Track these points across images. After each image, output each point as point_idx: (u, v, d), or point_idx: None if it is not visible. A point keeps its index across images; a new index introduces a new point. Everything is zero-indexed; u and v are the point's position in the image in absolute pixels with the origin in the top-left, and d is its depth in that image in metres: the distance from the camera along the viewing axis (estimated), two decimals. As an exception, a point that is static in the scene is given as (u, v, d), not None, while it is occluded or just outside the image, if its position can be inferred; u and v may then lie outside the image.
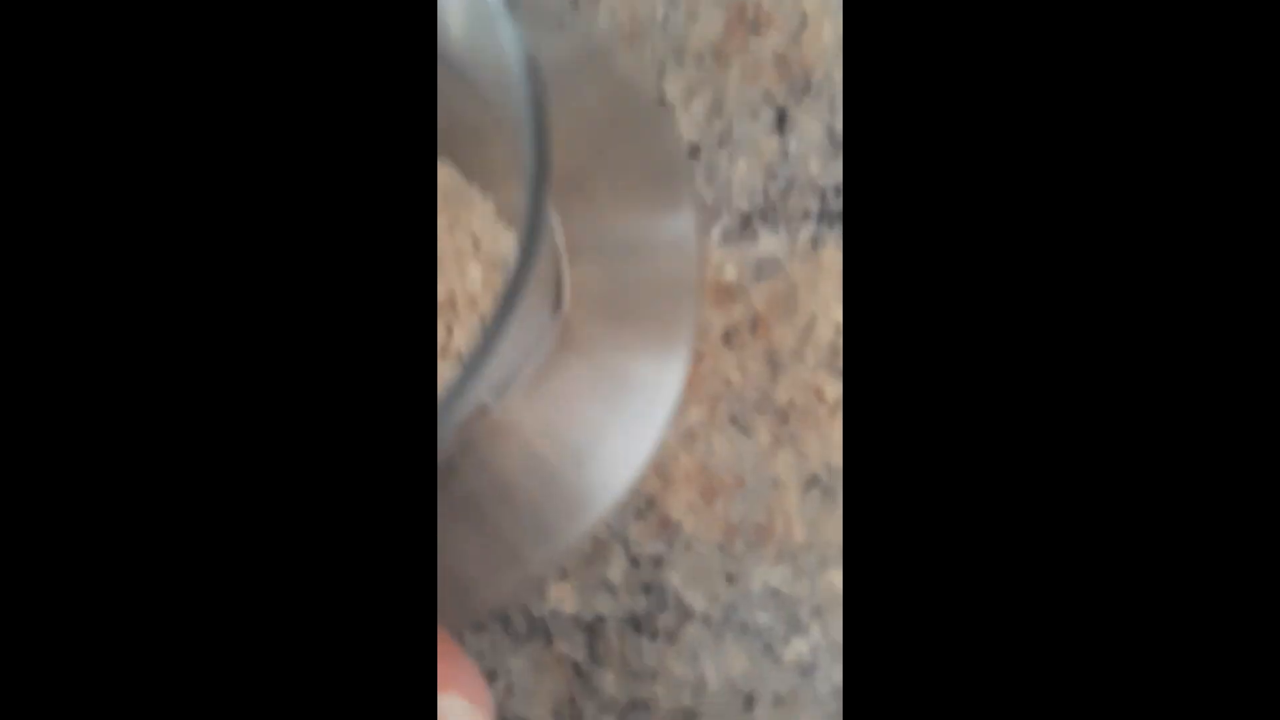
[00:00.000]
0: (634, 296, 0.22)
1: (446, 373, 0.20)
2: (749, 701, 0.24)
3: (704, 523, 0.25)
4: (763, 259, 0.27)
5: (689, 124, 0.28)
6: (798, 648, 0.24)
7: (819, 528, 0.25)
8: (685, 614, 0.25)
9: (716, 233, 0.27)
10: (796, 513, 0.25)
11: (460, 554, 0.20)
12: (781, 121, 0.28)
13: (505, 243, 0.21)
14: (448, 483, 0.20)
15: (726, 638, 0.24)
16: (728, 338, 0.26)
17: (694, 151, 0.28)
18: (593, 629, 0.24)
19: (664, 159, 0.23)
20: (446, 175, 0.21)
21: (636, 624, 0.24)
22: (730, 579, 0.25)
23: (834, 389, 0.25)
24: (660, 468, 0.25)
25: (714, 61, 0.29)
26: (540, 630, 0.24)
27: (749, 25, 0.29)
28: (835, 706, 0.24)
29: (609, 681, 0.24)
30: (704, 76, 0.29)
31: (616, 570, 0.25)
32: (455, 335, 0.20)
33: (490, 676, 0.24)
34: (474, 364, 0.14)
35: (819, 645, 0.24)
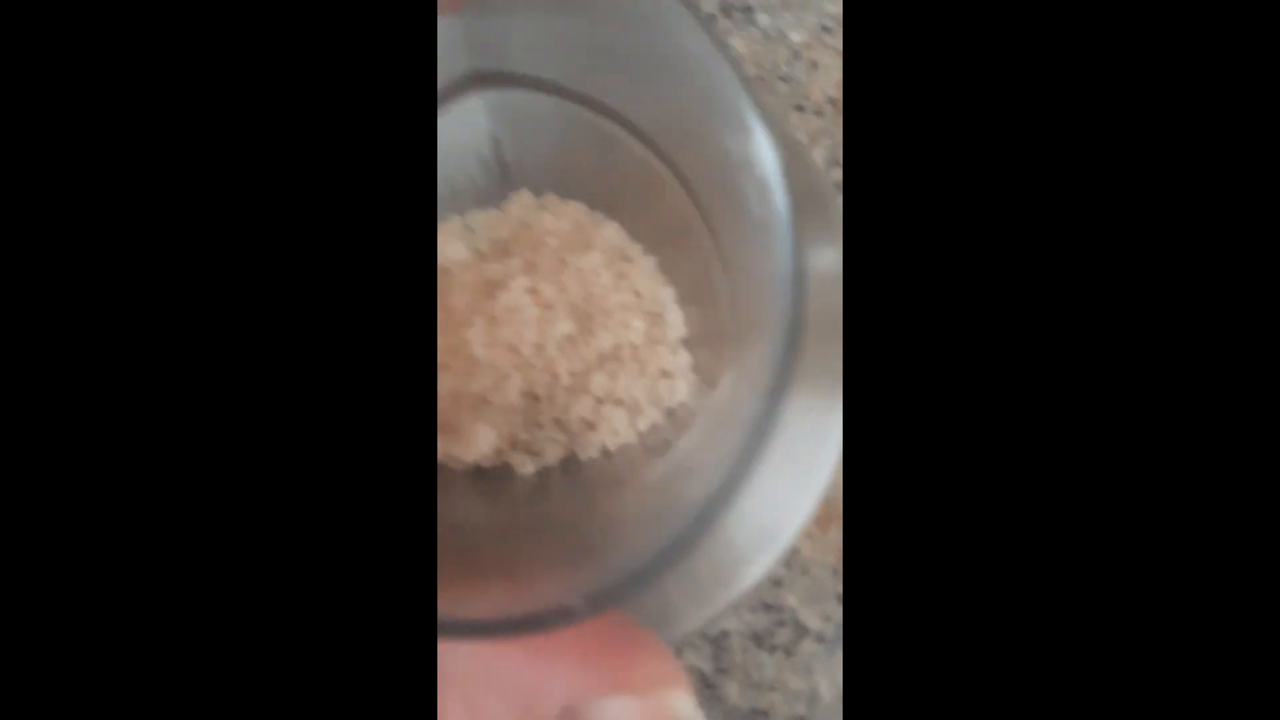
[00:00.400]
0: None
1: (615, 421, 0.22)
2: (861, 714, 0.26)
3: (819, 548, 0.27)
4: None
5: (809, 170, 0.30)
6: (907, 667, 0.26)
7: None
8: (801, 631, 0.27)
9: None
10: (906, 542, 0.27)
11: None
12: (895, 169, 0.30)
13: (665, 296, 0.23)
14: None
15: (838, 654, 0.27)
16: (842, 374, 0.28)
17: (813, 196, 0.30)
18: (718, 643, 0.27)
19: (812, 191, 0.23)
20: (614, 233, 0.24)
21: (758, 639, 0.27)
22: (842, 600, 0.27)
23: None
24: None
25: (833, 111, 0.31)
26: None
27: (866, 75, 0.31)
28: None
29: (732, 690, 0.26)
30: (824, 125, 0.31)
31: (740, 589, 0.27)
32: (620, 381, 0.23)
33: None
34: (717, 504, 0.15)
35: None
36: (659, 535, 0.16)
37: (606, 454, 0.22)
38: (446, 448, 0.22)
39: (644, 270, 0.23)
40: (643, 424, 0.23)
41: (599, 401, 0.23)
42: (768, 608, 0.27)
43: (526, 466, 0.22)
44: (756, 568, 0.20)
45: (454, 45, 0.21)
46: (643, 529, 0.20)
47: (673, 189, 0.22)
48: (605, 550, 0.19)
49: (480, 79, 0.21)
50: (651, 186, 0.22)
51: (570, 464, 0.23)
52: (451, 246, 0.23)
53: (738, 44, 0.30)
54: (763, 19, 0.31)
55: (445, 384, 0.22)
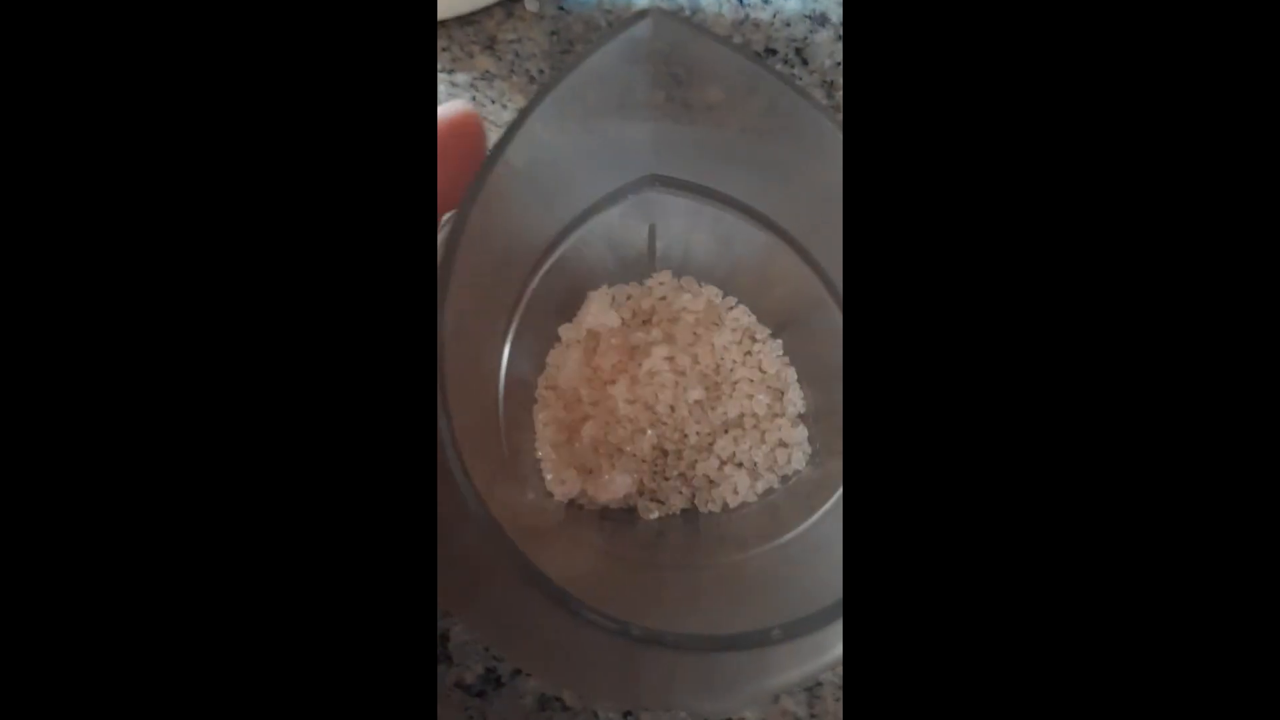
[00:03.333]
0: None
1: (738, 480, 0.25)
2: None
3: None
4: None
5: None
6: None
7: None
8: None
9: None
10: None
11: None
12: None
13: (788, 375, 0.26)
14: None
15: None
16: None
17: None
18: (813, 691, 0.29)
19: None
20: (743, 315, 0.27)
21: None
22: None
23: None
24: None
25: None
26: (768, 687, 0.29)
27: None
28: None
29: (822, 736, 0.29)
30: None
31: (836, 644, 0.29)
32: (742, 446, 0.25)
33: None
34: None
35: None
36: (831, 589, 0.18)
37: (726, 509, 0.25)
38: (585, 488, 0.25)
39: (769, 350, 0.26)
40: (760, 487, 0.25)
41: (723, 462, 0.25)
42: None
43: (652, 513, 0.25)
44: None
45: (644, 150, 0.24)
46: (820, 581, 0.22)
47: (804, 274, 0.25)
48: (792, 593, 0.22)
49: (658, 180, 0.25)
50: (783, 274, 0.25)
51: (690, 515, 0.26)
52: (606, 315, 0.26)
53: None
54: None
55: (589, 431, 0.25)
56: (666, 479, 0.26)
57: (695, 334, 0.26)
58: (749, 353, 0.26)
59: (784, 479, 0.25)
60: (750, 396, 0.26)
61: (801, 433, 0.26)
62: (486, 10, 0.37)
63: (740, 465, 0.25)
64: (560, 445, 0.25)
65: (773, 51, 0.35)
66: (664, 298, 0.27)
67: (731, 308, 0.27)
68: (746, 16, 0.35)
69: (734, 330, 0.26)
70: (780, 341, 0.26)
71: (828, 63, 0.34)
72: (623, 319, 0.26)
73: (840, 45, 0.35)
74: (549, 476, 0.25)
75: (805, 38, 0.35)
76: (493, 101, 0.35)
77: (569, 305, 0.27)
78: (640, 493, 0.25)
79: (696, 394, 0.25)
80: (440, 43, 0.36)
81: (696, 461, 0.25)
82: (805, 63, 0.34)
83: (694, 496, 0.25)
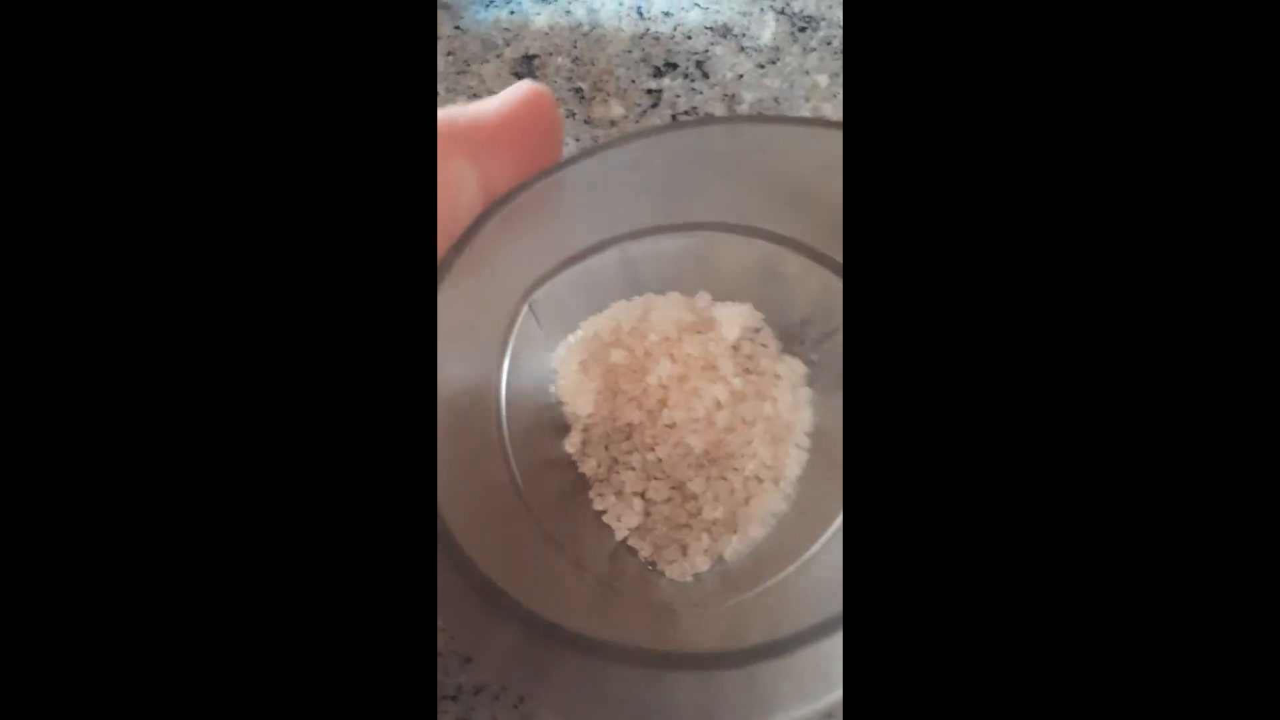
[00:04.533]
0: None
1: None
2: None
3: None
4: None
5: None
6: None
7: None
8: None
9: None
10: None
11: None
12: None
13: (794, 459, 0.26)
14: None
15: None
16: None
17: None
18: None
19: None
20: (803, 382, 0.26)
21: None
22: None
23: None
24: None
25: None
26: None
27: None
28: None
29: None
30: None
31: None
32: (696, 484, 0.25)
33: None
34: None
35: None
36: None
37: (671, 580, 0.24)
38: (565, 377, 0.26)
39: (795, 459, 0.26)
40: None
41: (649, 478, 0.25)
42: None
43: (583, 466, 0.25)
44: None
45: (656, 209, 0.25)
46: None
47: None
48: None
49: (671, 228, 0.26)
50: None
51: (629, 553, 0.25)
52: (733, 324, 0.26)
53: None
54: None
55: (616, 357, 0.26)
56: (631, 469, 0.25)
57: (759, 392, 0.26)
58: (779, 440, 0.26)
59: (718, 558, 0.25)
60: (752, 455, 0.25)
61: (773, 507, 0.25)
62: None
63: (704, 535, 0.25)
64: (591, 346, 0.26)
65: (673, 65, 0.35)
66: (770, 358, 0.26)
67: (810, 402, 0.26)
68: (647, 30, 0.35)
69: (792, 386, 0.26)
70: (816, 422, 0.26)
71: (729, 75, 0.35)
72: (737, 343, 0.26)
73: (741, 58, 0.36)
74: (567, 340, 0.26)
75: (706, 50, 0.36)
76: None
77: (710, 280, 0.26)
78: (584, 450, 0.25)
79: (698, 443, 0.25)
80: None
81: (650, 445, 0.25)
82: (706, 76, 0.35)
83: (654, 552, 0.25)
